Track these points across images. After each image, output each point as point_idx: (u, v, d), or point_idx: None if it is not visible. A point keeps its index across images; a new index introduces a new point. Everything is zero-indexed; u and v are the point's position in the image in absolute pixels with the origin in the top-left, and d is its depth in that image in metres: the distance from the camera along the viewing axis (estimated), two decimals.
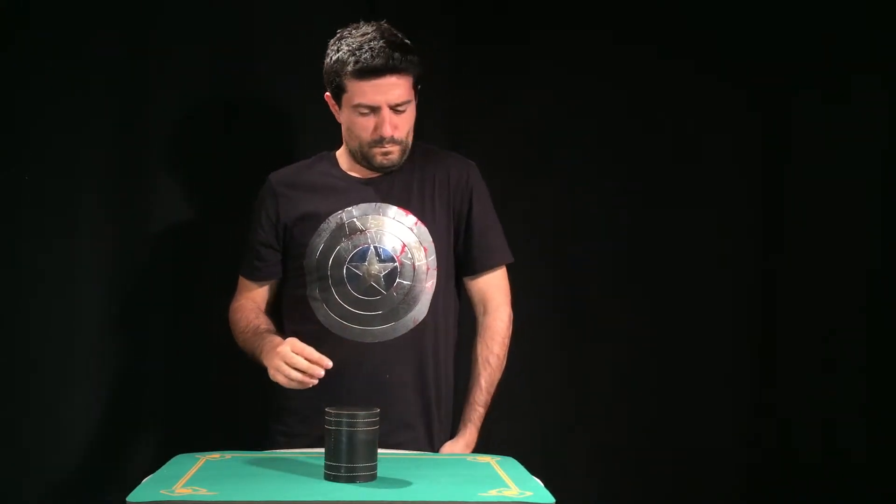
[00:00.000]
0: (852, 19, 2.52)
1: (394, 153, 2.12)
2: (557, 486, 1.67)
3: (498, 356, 2.19)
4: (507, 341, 2.21)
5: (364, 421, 1.65)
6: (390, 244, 2.12)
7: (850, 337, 2.55)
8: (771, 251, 2.63)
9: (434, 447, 2.14)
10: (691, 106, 2.62)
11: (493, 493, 1.60)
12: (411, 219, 2.14)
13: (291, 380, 1.88)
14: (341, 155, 2.22)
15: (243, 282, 2.25)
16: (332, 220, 2.13)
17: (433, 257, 2.14)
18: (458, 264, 2.21)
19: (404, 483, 1.66)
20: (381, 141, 2.10)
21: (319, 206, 2.15)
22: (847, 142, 2.55)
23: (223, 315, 2.52)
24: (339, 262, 2.11)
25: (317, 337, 2.07)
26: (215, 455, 1.85)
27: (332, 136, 2.58)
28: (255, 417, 2.48)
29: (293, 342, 1.92)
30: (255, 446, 1.95)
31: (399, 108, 2.08)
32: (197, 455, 1.84)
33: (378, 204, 2.15)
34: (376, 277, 2.11)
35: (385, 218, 2.14)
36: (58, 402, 2.42)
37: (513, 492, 1.61)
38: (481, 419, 2.17)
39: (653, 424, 2.63)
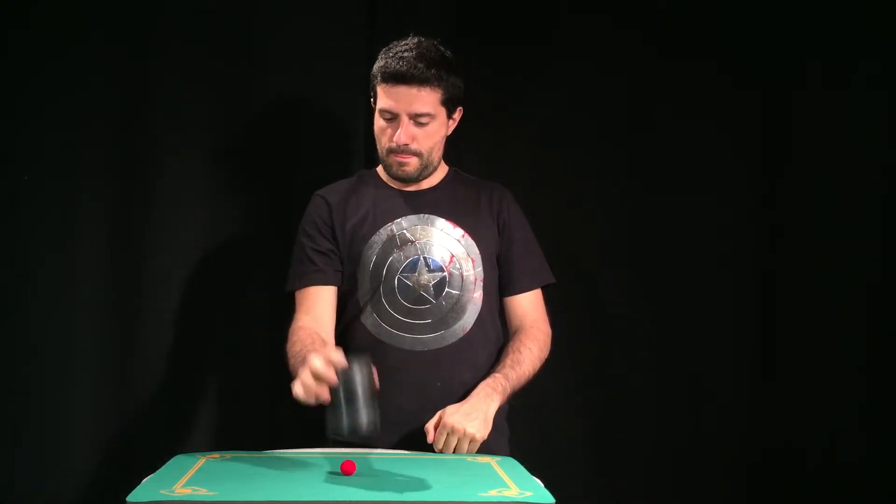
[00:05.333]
0: (853, 15, 2.52)
1: (409, 165, 2.15)
2: (557, 486, 1.67)
3: (531, 350, 2.15)
4: (545, 349, 2.19)
5: (360, 372, 1.68)
6: (439, 255, 2.15)
7: (851, 335, 2.55)
8: (771, 250, 2.63)
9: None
10: (691, 105, 2.62)
11: (493, 493, 1.60)
12: (458, 231, 2.17)
13: (304, 388, 1.71)
14: (382, 170, 2.24)
15: (303, 296, 2.15)
16: (383, 233, 2.16)
17: (480, 269, 2.17)
18: (499, 284, 2.23)
19: (404, 483, 1.66)
20: (396, 149, 2.12)
21: (369, 218, 2.17)
22: (847, 139, 2.55)
23: (223, 314, 2.52)
24: (391, 273, 2.14)
25: (368, 347, 2.09)
26: (215, 455, 1.85)
27: (333, 138, 2.58)
28: (255, 417, 2.49)
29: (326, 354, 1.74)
30: (255, 446, 1.95)
31: (420, 121, 2.10)
32: (197, 455, 1.84)
33: (426, 215, 2.18)
34: (426, 287, 2.14)
35: (433, 229, 2.17)
36: (58, 402, 2.42)
37: (513, 492, 1.61)
38: (505, 392, 2.07)
39: (653, 424, 2.63)
